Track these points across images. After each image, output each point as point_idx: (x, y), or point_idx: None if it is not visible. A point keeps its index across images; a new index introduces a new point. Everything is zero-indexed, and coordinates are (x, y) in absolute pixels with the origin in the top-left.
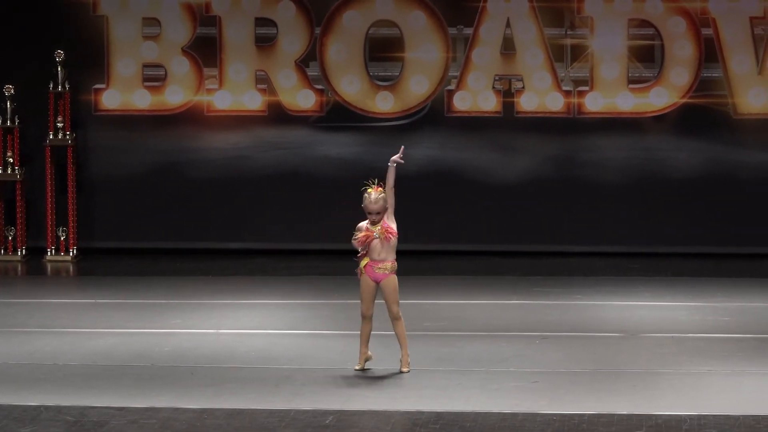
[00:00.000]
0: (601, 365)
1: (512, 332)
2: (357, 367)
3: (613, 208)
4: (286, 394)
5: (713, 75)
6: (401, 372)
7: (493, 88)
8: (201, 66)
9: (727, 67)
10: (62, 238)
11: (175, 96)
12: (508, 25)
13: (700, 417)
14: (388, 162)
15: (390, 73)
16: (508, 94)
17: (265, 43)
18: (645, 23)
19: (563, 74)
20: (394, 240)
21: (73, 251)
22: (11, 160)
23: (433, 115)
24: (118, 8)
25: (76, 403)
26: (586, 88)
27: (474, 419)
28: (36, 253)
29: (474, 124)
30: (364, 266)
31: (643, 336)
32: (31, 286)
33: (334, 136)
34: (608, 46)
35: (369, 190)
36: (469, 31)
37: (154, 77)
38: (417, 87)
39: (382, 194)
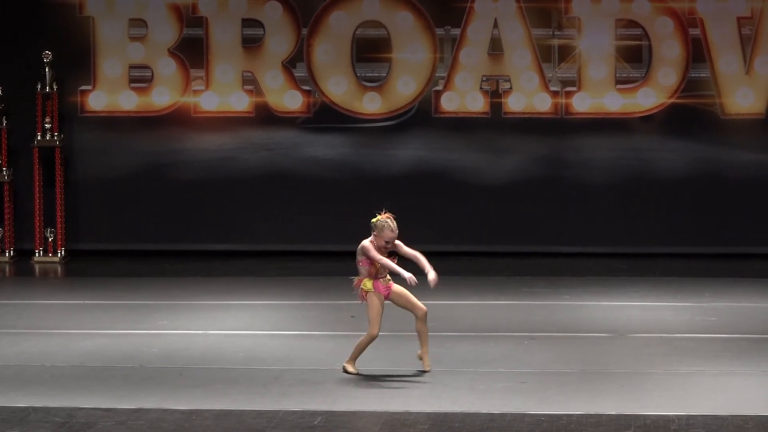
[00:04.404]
0: (589, 365)
1: (500, 333)
2: (352, 371)
3: (601, 209)
4: (275, 395)
5: (701, 75)
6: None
7: (481, 88)
8: (188, 67)
9: (715, 68)
10: (50, 240)
11: (162, 97)
12: (495, 25)
13: (688, 417)
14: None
15: (377, 74)
16: (495, 94)
17: (252, 44)
18: (632, 23)
19: (551, 75)
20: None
21: (61, 252)
22: None
23: (420, 116)
24: (105, 9)
25: (65, 405)
26: (574, 89)
27: (462, 420)
28: (24, 255)
29: (461, 124)
30: (372, 285)
31: (631, 336)
32: (19, 287)
33: (321, 137)
34: (596, 46)
35: (382, 217)
36: (456, 31)
37: (140, 78)
38: (404, 88)
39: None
